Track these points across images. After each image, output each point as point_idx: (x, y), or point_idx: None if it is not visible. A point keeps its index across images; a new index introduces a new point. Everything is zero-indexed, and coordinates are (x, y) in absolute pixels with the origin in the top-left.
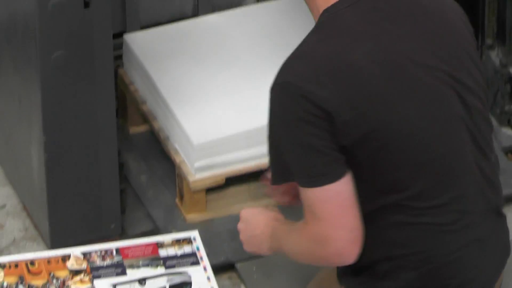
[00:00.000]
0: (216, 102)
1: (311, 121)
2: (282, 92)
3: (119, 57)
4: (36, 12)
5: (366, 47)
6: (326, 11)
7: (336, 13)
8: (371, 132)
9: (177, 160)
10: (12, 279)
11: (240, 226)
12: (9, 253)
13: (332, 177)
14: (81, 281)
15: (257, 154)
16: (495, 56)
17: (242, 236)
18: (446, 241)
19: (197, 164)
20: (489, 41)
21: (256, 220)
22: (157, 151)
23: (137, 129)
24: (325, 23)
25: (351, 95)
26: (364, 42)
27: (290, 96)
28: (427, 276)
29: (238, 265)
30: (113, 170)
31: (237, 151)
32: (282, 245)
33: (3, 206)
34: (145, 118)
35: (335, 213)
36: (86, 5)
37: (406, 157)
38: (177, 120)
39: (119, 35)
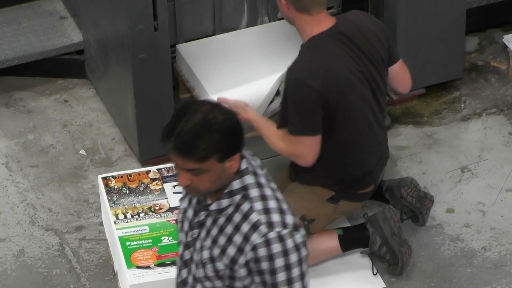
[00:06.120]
0: (226, 79)
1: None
2: (295, 84)
3: (173, 57)
4: (128, 33)
5: (337, 62)
6: (313, 38)
7: (318, 40)
8: (337, 104)
9: None
10: (120, 184)
11: (237, 102)
12: (117, 165)
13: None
14: (156, 184)
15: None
16: None
17: (238, 103)
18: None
19: None
20: None
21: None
22: None
23: (184, 95)
24: (311, 47)
25: (329, 87)
26: (335, 59)
27: (299, 86)
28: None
29: None
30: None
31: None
32: (262, 129)
33: (114, 138)
34: (188, 89)
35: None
36: (156, 29)
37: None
38: (204, 89)
39: (173, 45)
